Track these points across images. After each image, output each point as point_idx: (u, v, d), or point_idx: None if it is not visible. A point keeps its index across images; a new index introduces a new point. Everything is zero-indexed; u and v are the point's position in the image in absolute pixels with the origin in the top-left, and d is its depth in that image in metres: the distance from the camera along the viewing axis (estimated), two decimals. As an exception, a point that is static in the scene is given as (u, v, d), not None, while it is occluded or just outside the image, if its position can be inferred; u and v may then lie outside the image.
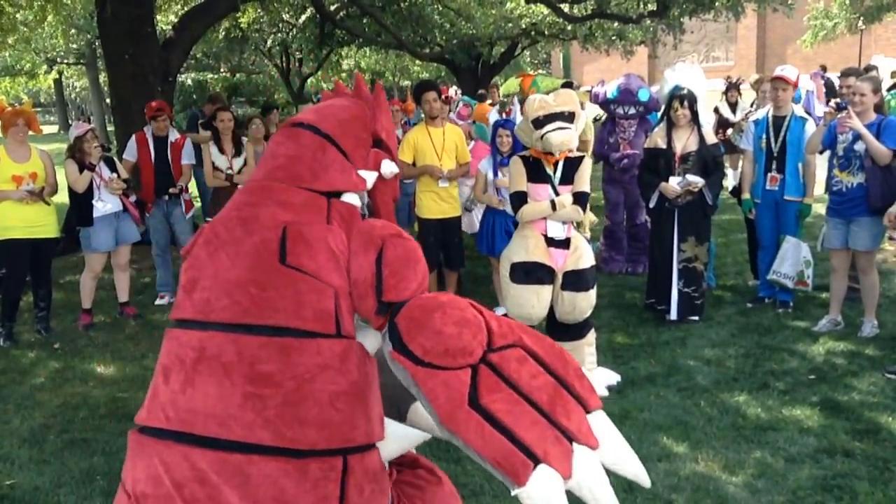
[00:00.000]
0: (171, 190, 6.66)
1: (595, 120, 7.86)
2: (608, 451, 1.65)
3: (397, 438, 1.92)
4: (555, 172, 4.42)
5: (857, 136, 4.89)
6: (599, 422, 1.67)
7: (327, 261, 1.82)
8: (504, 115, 6.81)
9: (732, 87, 9.71)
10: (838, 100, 5.10)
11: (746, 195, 5.92)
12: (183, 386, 1.76)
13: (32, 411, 4.60)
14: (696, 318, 5.59)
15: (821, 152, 5.45)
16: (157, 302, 6.83)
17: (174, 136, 6.85)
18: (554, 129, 4.16)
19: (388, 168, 2.18)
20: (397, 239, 1.85)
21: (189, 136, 7.43)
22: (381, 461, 1.89)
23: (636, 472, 1.70)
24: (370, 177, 2.11)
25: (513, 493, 1.59)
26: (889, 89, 7.14)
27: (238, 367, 1.74)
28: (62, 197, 6.24)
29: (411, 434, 2.06)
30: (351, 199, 2.01)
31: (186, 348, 1.79)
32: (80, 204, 5.99)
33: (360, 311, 1.85)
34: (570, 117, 4.24)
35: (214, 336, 1.78)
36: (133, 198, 6.25)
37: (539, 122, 4.24)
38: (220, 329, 1.78)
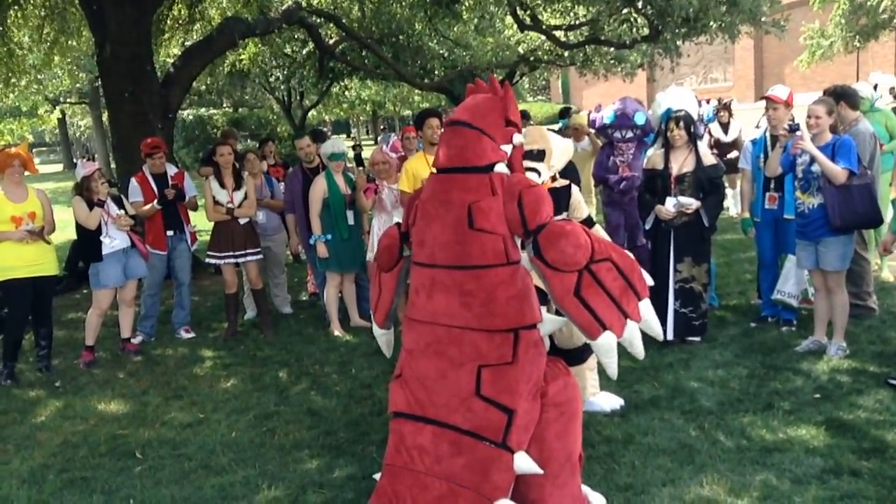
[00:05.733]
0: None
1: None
2: (643, 322, 2.97)
3: (549, 321, 3.11)
4: None
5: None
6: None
7: (497, 219, 2.98)
8: None
9: (723, 108, 9.72)
10: (791, 122, 5.13)
11: (746, 214, 5.90)
12: (427, 299, 3.09)
13: (32, 451, 4.57)
14: (697, 338, 5.55)
15: (783, 175, 5.46)
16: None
17: (172, 171, 6.86)
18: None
19: (518, 139, 3.28)
20: (528, 188, 3.02)
21: (202, 170, 7.48)
22: (540, 336, 3.07)
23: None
24: (507, 149, 3.20)
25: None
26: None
27: (454, 288, 3.01)
28: (61, 235, 6.24)
29: (556, 320, 3.20)
30: (501, 168, 3.09)
31: (425, 278, 3.09)
32: (88, 240, 6.03)
33: (517, 235, 3.04)
34: (539, 155, 4.06)
35: (439, 272, 3.05)
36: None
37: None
38: (441, 268, 3.04)
